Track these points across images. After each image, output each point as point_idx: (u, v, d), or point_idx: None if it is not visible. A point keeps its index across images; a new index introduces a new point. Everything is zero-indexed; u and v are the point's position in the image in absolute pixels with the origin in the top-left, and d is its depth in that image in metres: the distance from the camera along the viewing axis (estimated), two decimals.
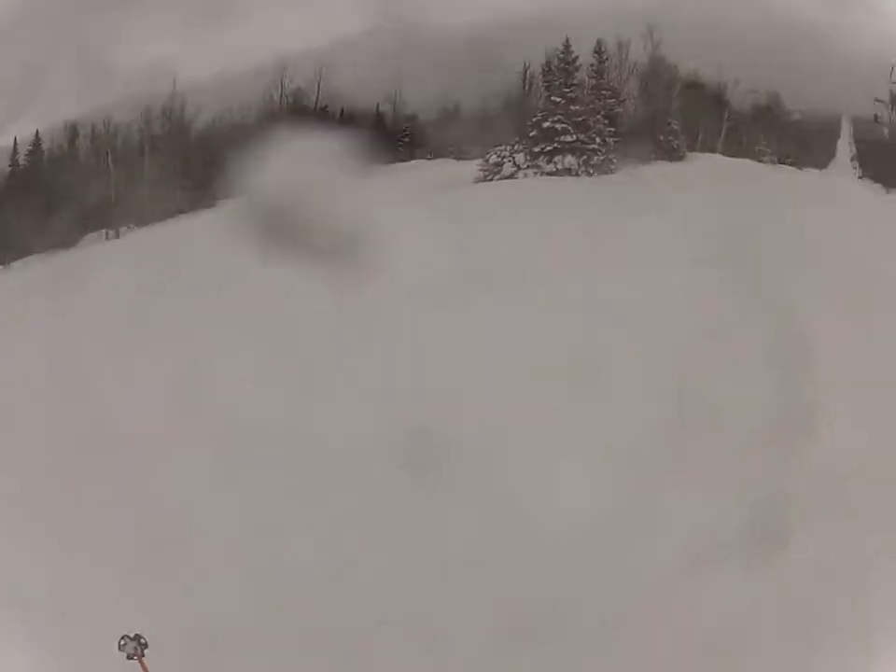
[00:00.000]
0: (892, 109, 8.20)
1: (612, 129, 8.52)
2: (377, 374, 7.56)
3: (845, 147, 9.17)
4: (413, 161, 9.27)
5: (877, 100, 8.19)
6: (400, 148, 9.20)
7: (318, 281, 7.36)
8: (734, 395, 6.99)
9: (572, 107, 8.44)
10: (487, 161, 8.61)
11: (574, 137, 8.42)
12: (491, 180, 8.60)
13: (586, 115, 8.45)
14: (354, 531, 6.44)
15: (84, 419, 7.43)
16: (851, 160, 9.15)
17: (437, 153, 9.18)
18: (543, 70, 8.56)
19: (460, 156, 9.09)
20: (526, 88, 8.81)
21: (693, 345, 7.39)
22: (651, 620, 5.76)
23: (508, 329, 7.96)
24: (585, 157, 8.42)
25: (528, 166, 8.49)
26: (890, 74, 7.67)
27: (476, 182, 8.69)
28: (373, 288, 7.69)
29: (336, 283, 7.38)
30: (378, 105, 9.13)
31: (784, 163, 8.82)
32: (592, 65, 8.63)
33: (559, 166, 8.44)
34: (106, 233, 9.04)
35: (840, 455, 6.53)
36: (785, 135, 8.75)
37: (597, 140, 8.46)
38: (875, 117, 8.43)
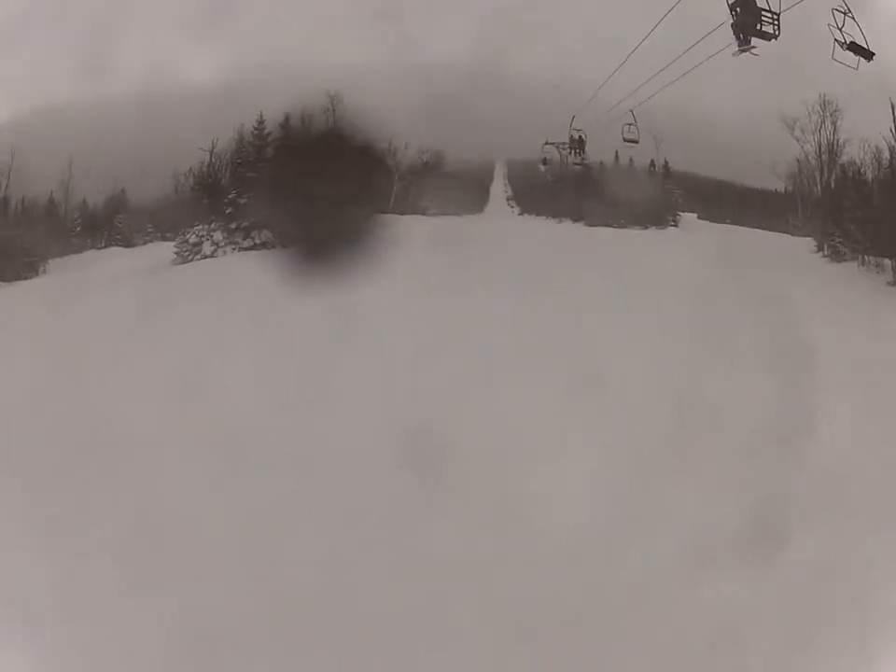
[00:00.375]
0: (571, 152, 9.03)
1: None
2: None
3: (500, 190, 9.85)
4: (84, 253, 8.92)
5: (547, 143, 9.04)
6: (73, 239, 8.89)
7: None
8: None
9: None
10: (186, 240, 8.48)
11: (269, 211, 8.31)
12: (192, 261, 8.49)
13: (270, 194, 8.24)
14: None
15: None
16: (507, 200, 9.87)
17: (108, 242, 8.94)
18: (235, 146, 8.49)
19: (128, 243, 8.95)
20: (213, 165, 8.62)
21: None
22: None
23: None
24: (280, 230, 8.29)
25: (227, 243, 8.42)
26: (571, 122, 8.66)
27: (175, 264, 8.56)
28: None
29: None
30: (52, 193, 8.73)
31: (447, 213, 9.24)
32: (279, 138, 8.53)
33: (256, 241, 8.37)
34: None
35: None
36: (446, 188, 9.15)
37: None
38: (544, 160, 9.30)
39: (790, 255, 8.39)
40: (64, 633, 5.78)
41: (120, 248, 8.98)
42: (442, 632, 5.81)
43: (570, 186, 9.49)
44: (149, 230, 8.94)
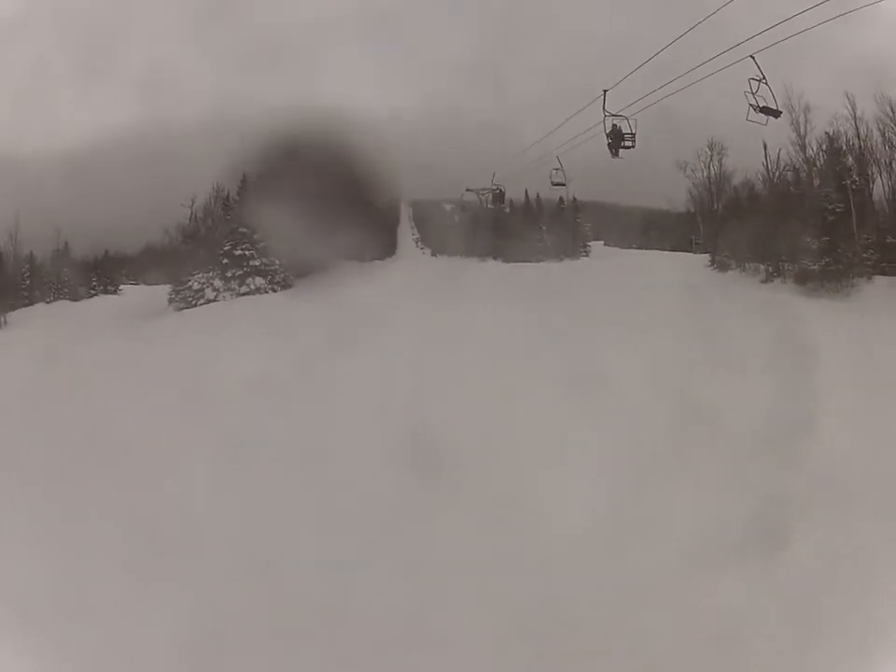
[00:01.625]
0: (493, 202, 10.11)
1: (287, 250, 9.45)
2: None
3: (407, 232, 10.43)
4: (35, 306, 9.48)
5: (468, 189, 10.09)
6: (24, 292, 9.47)
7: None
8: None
9: (255, 234, 9.53)
10: (189, 287, 9.42)
11: (259, 261, 9.54)
12: (195, 305, 9.37)
13: (265, 241, 9.48)
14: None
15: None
16: (416, 242, 10.49)
17: (56, 295, 9.55)
18: (224, 204, 9.69)
19: (75, 297, 9.60)
20: (193, 220, 9.67)
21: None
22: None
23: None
24: (270, 276, 9.54)
25: (225, 289, 9.47)
26: (492, 178, 9.91)
27: (181, 309, 9.35)
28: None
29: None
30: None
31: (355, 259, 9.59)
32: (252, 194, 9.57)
33: (251, 287, 9.50)
34: None
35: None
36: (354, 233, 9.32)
37: (276, 262, 9.59)
38: (463, 206, 10.34)
39: (687, 270, 9.84)
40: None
41: (67, 301, 9.60)
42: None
43: (485, 226, 10.09)
44: (93, 283, 9.71)
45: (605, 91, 8.58)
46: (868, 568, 5.85)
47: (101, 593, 6.06)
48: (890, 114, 9.03)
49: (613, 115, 8.67)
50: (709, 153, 10.16)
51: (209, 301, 9.35)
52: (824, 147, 9.39)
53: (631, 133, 8.75)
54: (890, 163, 9.32)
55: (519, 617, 5.83)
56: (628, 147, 8.77)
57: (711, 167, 10.22)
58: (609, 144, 8.75)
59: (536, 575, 6.10)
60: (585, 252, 10.49)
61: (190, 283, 9.42)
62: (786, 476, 6.48)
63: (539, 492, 6.53)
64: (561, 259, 10.03)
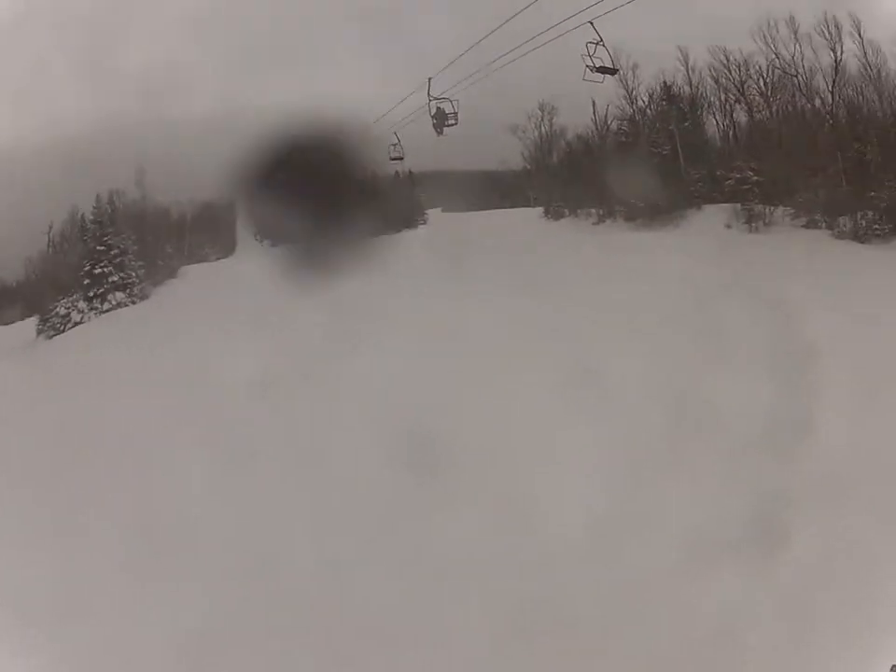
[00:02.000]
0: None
1: (141, 262, 10.08)
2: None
3: (245, 228, 10.27)
4: None
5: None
6: None
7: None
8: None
9: (111, 252, 9.91)
10: (57, 313, 9.64)
11: (118, 277, 9.89)
12: (64, 331, 9.56)
13: (121, 256, 9.96)
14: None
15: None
16: (255, 235, 10.15)
17: None
18: (80, 225, 9.99)
19: None
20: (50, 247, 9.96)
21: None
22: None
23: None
24: (129, 290, 9.91)
25: (90, 309, 9.74)
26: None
27: (52, 337, 9.51)
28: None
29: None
30: None
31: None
32: (105, 213, 10.10)
33: (113, 303, 9.81)
34: None
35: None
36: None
37: (133, 275, 9.97)
38: None
39: (524, 221, 10.92)
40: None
41: None
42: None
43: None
44: None
45: (429, 78, 9.41)
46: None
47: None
48: (724, 61, 10.31)
49: (437, 98, 9.52)
50: (541, 114, 11.28)
51: (76, 324, 9.56)
52: (655, 96, 10.79)
53: (454, 113, 9.62)
54: (724, 105, 10.66)
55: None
56: (451, 125, 9.63)
57: (542, 127, 11.34)
58: (434, 125, 9.61)
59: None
60: (423, 221, 11.07)
61: (56, 309, 9.63)
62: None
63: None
64: (399, 231, 10.58)
